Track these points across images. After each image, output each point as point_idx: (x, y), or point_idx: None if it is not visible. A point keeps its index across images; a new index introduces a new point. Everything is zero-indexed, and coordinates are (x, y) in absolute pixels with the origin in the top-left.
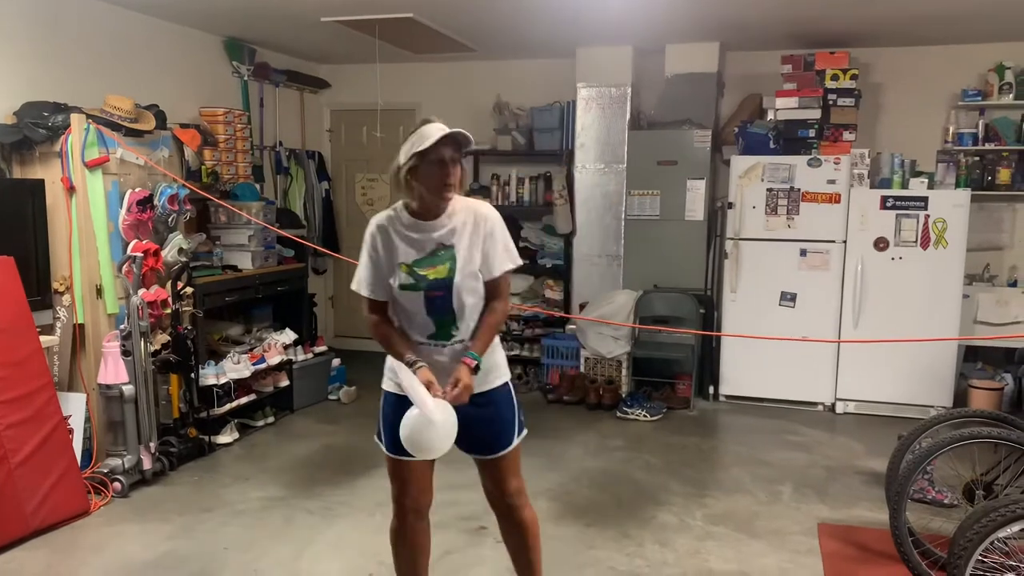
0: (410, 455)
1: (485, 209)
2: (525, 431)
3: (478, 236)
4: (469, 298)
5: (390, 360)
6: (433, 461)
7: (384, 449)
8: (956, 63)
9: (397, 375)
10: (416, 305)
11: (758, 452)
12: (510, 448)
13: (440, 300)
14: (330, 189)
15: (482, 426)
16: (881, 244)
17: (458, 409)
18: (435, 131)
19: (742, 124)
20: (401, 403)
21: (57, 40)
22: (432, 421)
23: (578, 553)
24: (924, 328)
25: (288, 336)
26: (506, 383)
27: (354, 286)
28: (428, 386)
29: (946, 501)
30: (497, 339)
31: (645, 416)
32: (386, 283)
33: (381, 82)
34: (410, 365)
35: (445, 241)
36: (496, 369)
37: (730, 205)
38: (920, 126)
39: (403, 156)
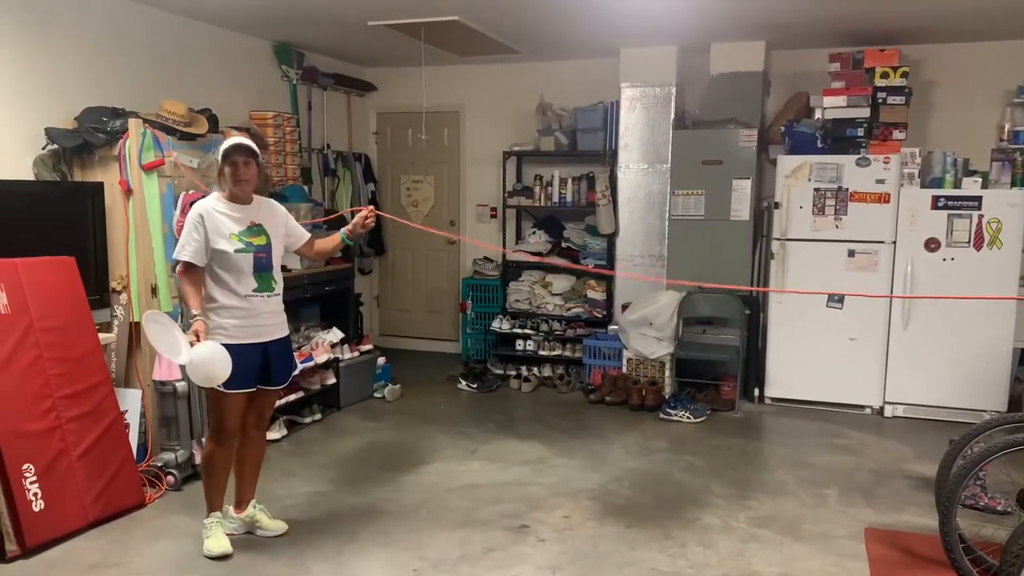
0: (241, 389)
1: (273, 202)
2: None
3: (279, 219)
4: (279, 261)
5: (215, 318)
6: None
7: (221, 388)
8: (1011, 58)
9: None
10: (247, 264)
11: (803, 455)
12: (286, 383)
13: (264, 260)
14: (376, 191)
15: (278, 362)
16: (932, 245)
17: (268, 348)
18: (231, 142)
19: (788, 123)
20: (235, 351)
21: (115, 47)
22: (192, 360)
23: (620, 553)
24: (977, 331)
25: (335, 335)
26: (288, 336)
27: (176, 255)
28: (197, 334)
29: (999, 508)
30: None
31: (688, 418)
32: (207, 251)
33: (426, 85)
34: (192, 317)
35: (255, 220)
36: (284, 325)
37: (776, 205)
38: (973, 124)
39: (219, 156)
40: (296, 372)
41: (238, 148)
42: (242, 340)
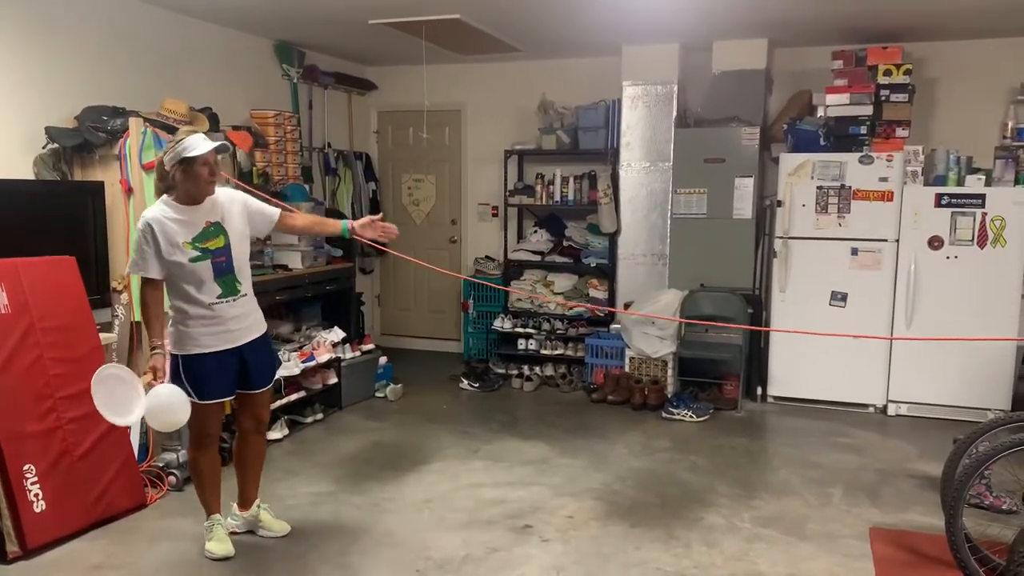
0: (218, 398)
1: (233, 192)
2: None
3: (236, 209)
4: (243, 258)
5: (184, 330)
6: (241, 397)
7: (195, 399)
8: (1015, 56)
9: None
10: (206, 272)
11: (807, 454)
12: (272, 383)
13: (223, 264)
14: (377, 189)
15: (259, 364)
16: (936, 243)
17: (244, 352)
18: (200, 141)
19: (791, 121)
20: (200, 360)
21: (116, 45)
22: (147, 413)
23: (624, 553)
24: (981, 329)
25: (336, 334)
26: (266, 334)
27: (131, 270)
28: (153, 371)
29: (1005, 507)
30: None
31: (691, 417)
32: (162, 263)
33: (427, 83)
34: (152, 348)
35: (211, 219)
36: (259, 324)
37: (779, 203)
38: (977, 122)
39: (169, 159)
40: (298, 370)
41: (217, 149)
42: (215, 348)
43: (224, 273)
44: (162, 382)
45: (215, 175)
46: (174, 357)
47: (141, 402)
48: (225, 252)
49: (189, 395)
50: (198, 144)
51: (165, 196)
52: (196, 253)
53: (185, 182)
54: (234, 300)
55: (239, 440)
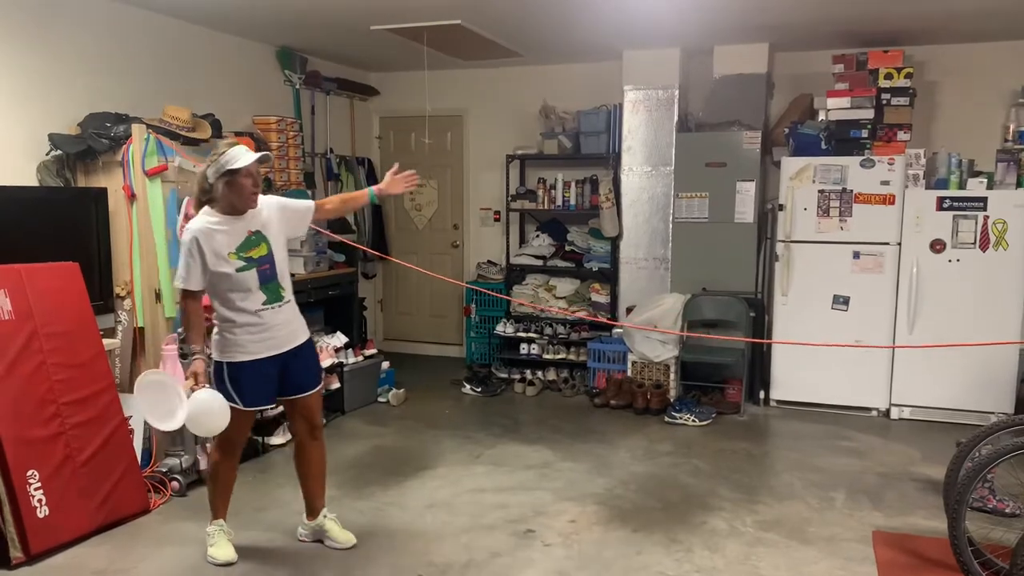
0: (261, 406)
1: (267, 197)
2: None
3: (274, 213)
4: (284, 264)
5: (230, 337)
6: (290, 402)
7: (240, 406)
8: (1016, 59)
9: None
10: (252, 281)
11: (810, 458)
12: (320, 386)
13: (268, 271)
14: None
15: (303, 369)
16: (938, 246)
17: (287, 359)
18: (243, 153)
19: (792, 125)
20: (244, 367)
21: (118, 53)
22: (188, 418)
23: (626, 558)
24: (983, 332)
25: (339, 339)
26: (310, 339)
27: (177, 283)
28: (195, 377)
29: (1008, 510)
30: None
31: (694, 421)
32: (207, 275)
33: (429, 89)
34: (191, 354)
35: (253, 228)
36: (303, 329)
37: (781, 207)
38: (978, 125)
39: (213, 172)
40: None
41: (260, 159)
42: (260, 355)
43: (269, 280)
44: (203, 387)
45: (259, 186)
46: (218, 364)
47: (183, 407)
48: (268, 260)
49: (233, 402)
50: (241, 156)
51: (207, 208)
52: (241, 263)
53: (229, 194)
54: (279, 306)
55: (296, 449)
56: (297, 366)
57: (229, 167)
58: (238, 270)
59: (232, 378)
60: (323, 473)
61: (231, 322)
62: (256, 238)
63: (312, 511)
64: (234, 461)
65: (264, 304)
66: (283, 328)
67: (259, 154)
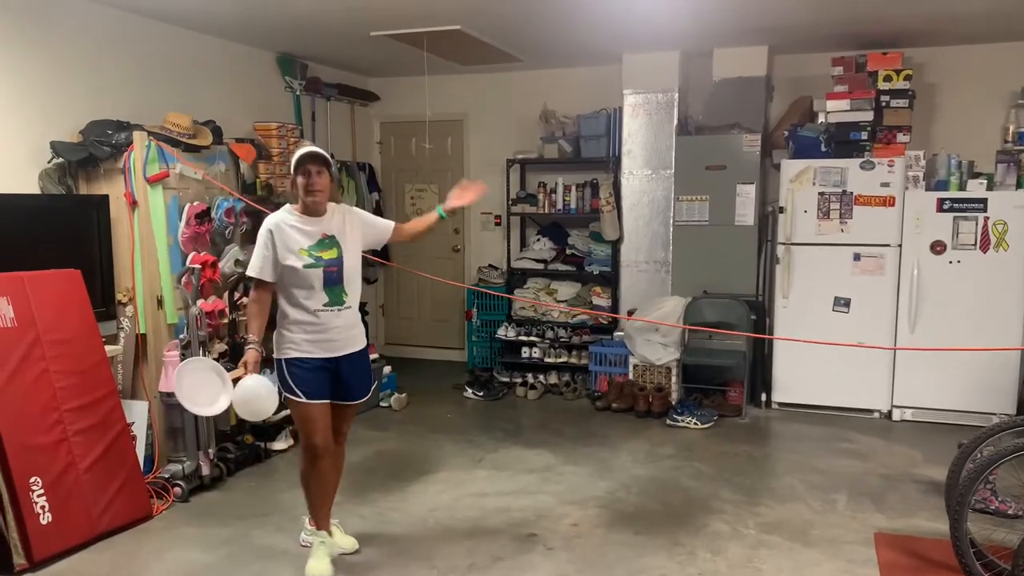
0: (322, 398)
1: (348, 207)
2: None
3: (354, 224)
4: (353, 271)
5: (286, 334)
6: (331, 405)
7: (303, 399)
8: (1015, 60)
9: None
10: (317, 280)
11: (812, 460)
12: (367, 396)
13: (334, 274)
14: (381, 200)
15: (354, 376)
16: (938, 247)
17: (340, 363)
18: (302, 151)
19: (792, 127)
20: (303, 363)
21: (119, 60)
22: (234, 401)
23: (628, 561)
24: (984, 333)
25: None
26: (366, 349)
27: (250, 272)
28: (245, 365)
29: (1010, 512)
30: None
31: (696, 424)
32: (278, 268)
33: (429, 94)
34: (247, 342)
35: (327, 232)
36: (360, 337)
37: (781, 209)
38: (978, 126)
39: (291, 169)
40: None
41: (311, 157)
42: (313, 354)
43: (333, 283)
44: (251, 376)
45: (314, 188)
46: (278, 361)
47: (227, 392)
48: (337, 263)
49: (295, 396)
50: (299, 152)
51: (288, 205)
52: (310, 260)
53: (293, 189)
54: (339, 310)
55: None
56: (349, 373)
57: (293, 162)
58: (305, 266)
59: (291, 373)
60: (337, 481)
61: (291, 319)
62: (329, 241)
63: (326, 521)
64: (316, 468)
65: (325, 305)
66: (340, 333)
67: (306, 149)
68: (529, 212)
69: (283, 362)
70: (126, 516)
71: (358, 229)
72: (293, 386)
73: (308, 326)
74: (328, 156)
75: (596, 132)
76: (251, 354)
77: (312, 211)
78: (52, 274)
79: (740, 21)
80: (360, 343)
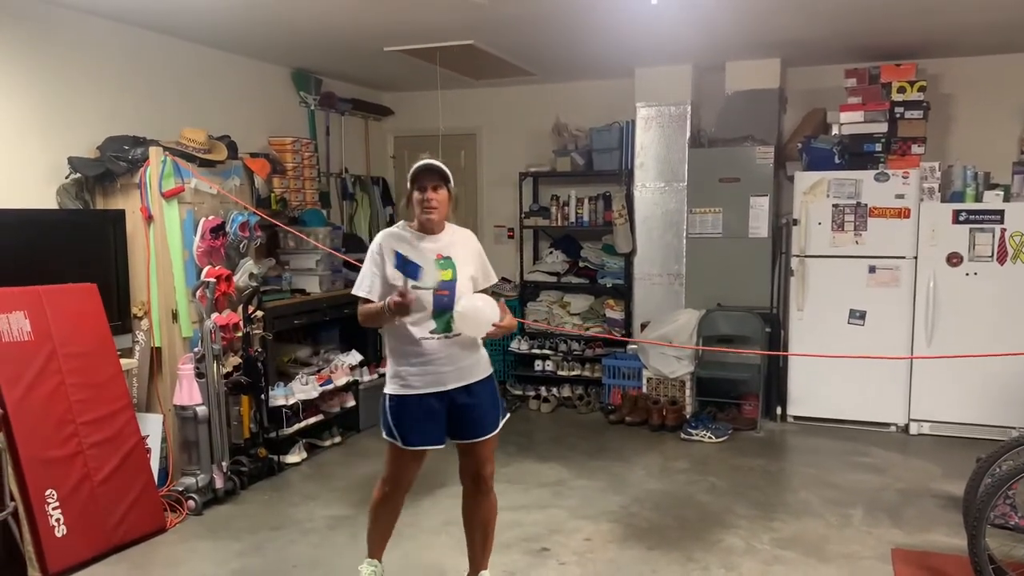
0: (423, 446)
1: (469, 233)
2: (508, 415)
3: (470, 251)
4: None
5: (393, 367)
6: (458, 446)
7: (399, 443)
8: None
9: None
10: (425, 303)
11: (828, 474)
12: (496, 431)
13: (445, 299)
14: (394, 214)
15: (473, 411)
16: (954, 259)
17: (453, 398)
18: (418, 164)
19: (806, 139)
20: (406, 402)
21: (136, 77)
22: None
23: None
24: (1002, 345)
25: (354, 357)
26: (489, 377)
27: (357, 291)
28: (402, 295)
29: None
30: (480, 341)
31: (710, 438)
32: (384, 287)
33: (443, 108)
34: (386, 311)
35: (443, 252)
36: (482, 362)
37: (795, 222)
38: (994, 137)
39: (408, 184)
40: (316, 394)
41: (428, 170)
42: (420, 390)
43: (444, 309)
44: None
45: (431, 204)
46: (383, 396)
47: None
48: (449, 287)
49: (392, 438)
50: (416, 165)
51: (403, 221)
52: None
53: (408, 205)
54: (447, 338)
55: (463, 497)
56: (468, 405)
57: (409, 175)
58: (414, 287)
59: (392, 411)
60: (488, 531)
61: (395, 349)
62: (445, 263)
63: (473, 568)
64: (393, 503)
65: (431, 333)
66: (449, 363)
67: (424, 162)
68: (542, 225)
69: (387, 398)
70: (140, 529)
71: (476, 259)
72: (392, 426)
73: (413, 358)
74: (446, 170)
75: (609, 145)
76: (394, 297)
77: (427, 228)
78: (69, 288)
79: (752, 35)
80: (479, 373)
